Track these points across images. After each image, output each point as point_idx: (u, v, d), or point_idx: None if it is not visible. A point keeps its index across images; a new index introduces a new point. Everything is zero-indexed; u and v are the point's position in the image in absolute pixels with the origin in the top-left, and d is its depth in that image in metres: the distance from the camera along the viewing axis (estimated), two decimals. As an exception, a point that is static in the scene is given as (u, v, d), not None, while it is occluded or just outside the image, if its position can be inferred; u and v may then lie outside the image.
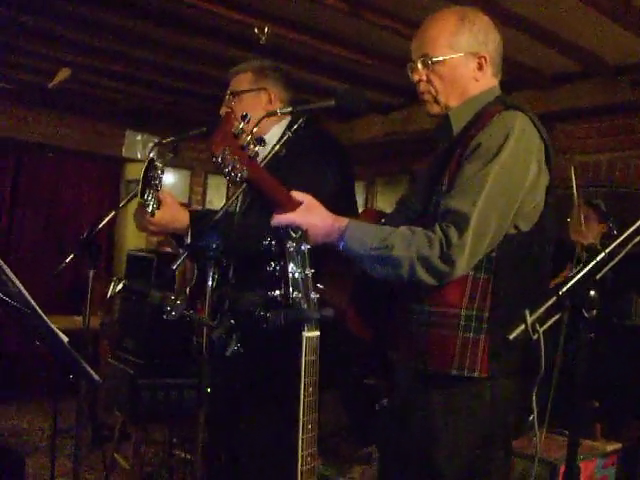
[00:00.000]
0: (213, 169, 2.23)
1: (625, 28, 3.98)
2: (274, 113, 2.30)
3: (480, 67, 2.12)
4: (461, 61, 2.09)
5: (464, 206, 1.90)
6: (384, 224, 2.15)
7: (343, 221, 2.00)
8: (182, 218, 2.49)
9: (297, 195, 1.98)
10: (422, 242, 1.90)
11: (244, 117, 1.88)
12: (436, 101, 2.15)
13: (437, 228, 1.91)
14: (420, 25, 2.18)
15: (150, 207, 2.37)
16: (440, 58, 2.09)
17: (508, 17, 3.94)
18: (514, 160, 1.93)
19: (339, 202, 2.22)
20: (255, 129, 1.92)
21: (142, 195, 2.36)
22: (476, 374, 1.94)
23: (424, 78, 2.13)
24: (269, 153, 2.14)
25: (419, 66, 2.13)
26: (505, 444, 2.09)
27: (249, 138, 1.87)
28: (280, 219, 1.89)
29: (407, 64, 2.18)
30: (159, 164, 2.38)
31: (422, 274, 1.91)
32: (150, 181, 2.37)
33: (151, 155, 3.01)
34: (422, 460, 2.02)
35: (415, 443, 2.05)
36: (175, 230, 2.52)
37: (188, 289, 2.55)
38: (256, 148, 1.87)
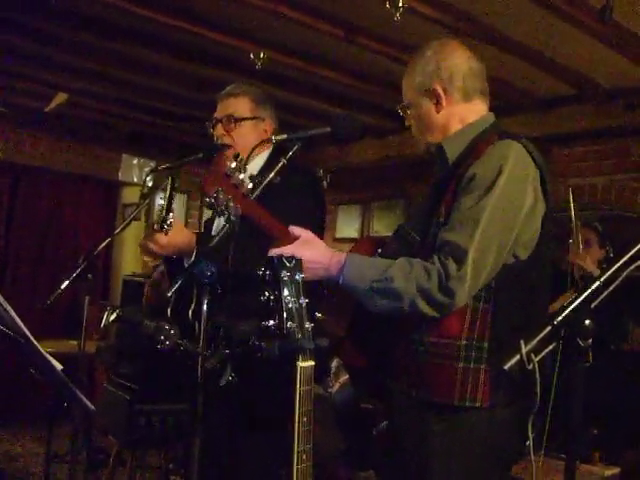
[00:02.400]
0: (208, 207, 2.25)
1: (618, 52, 4.01)
2: (269, 141, 2.31)
3: (437, 99, 2.15)
4: (418, 101, 2.18)
5: (462, 238, 1.89)
6: (380, 254, 2.15)
7: (342, 255, 2.01)
8: (190, 239, 2.53)
9: (295, 230, 2.00)
10: (420, 274, 1.90)
11: (236, 157, 1.92)
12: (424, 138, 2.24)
13: (435, 259, 1.91)
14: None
15: (167, 226, 2.40)
16: (405, 102, 2.22)
17: (503, 42, 3.97)
18: (510, 190, 1.93)
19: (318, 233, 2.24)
20: (247, 164, 1.97)
21: (167, 213, 2.37)
22: (477, 404, 1.93)
23: (409, 122, 2.25)
24: (264, 181, 2.14)
25: (404, 112, 2.25)
26: (503, 472, 2.08)
27: (242, 176, 1.90)
28: (277, 252, 1.88)
29: None
30: (177, 185, 2.41)
31: (423, 307, 1.90)
32: (172, 201, 2.41)
33: (147, 179, 3.00)
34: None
35: (413, 470, 2.03)
36: (180, 251, 2.53)
37: (169, 310, 2.54)
38: (249, 185, 1.90)
